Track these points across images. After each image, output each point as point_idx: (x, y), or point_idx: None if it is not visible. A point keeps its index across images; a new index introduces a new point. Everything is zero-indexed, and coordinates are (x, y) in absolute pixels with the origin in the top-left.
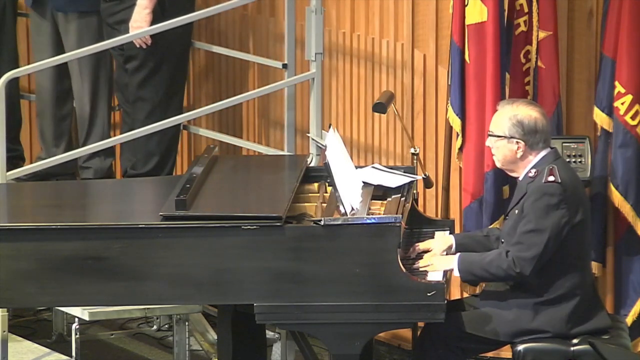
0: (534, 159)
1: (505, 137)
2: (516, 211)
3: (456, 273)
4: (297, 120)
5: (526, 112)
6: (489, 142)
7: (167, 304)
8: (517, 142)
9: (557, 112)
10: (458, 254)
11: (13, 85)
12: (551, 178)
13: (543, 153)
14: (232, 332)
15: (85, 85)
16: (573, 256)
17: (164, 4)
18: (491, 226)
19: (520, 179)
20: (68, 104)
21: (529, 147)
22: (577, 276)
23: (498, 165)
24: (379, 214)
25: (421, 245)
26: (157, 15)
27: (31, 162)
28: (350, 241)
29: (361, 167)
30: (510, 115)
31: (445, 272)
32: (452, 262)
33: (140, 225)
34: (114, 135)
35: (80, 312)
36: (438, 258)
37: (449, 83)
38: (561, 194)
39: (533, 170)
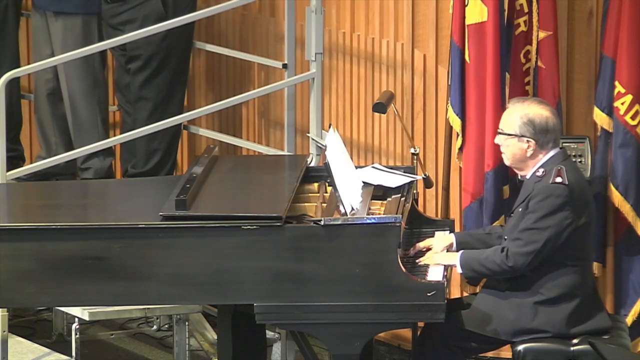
0: (543, 158)
1: (515, 135)
2: (520, 209)
3: (459, 269)
4: (297, 120)
5: (537, 111)
6: (498, 139)
7: (167, 304)
8: (528, 141)
9: (557, 112)
10: (461, 250)
11: (13, 85)
12: (559, 179)
13: (552, 153)
14: (232, 332)
15: (69, 85)
16: (574, 257)
17: (167, 5)
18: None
19: (527, 177)
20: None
21: (539, 147)
22: (577, 276)
23: (507, 163)
24: (379, 214)
25: (421, 244)
26: (161, 15)
27: (31, 162)
28: (350, 241)
29: (361, 167)
30: (521, 114)
31: (445, 271)
32: (455, 258)
33: (140, 225)
34: (114, 135)
35: (80, 312)
36: (441, 254)
37: (449, 83)
38: (567, 196)
39: (541, 170)
